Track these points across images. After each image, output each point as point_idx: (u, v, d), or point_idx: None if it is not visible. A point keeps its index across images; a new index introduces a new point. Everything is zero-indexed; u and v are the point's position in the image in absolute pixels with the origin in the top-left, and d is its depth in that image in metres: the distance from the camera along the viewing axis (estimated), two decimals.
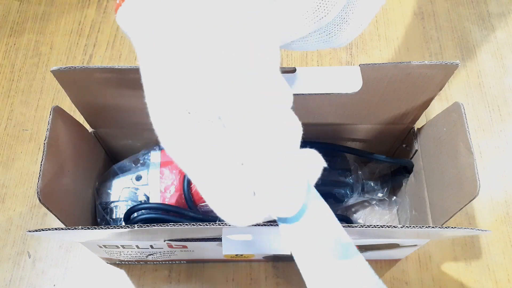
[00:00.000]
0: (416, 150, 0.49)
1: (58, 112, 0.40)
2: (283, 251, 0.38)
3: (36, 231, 0.34)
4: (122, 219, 0.46)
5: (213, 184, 0.24)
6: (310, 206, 0.25)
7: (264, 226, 0.36)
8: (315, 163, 0.26)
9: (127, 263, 0.51)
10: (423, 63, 0.39)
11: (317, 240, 0.25)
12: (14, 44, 0.66)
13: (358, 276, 0.25)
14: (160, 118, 0.24)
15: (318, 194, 0.26)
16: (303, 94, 0.39)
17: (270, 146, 0.23)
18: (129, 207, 0.46)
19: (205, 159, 0.23)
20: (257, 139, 0.23)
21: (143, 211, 0.45)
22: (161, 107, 0.23)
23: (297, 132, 0.25)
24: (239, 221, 0.24)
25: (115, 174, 0.50)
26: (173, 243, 0.43)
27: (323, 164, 0.26)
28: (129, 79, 0.38)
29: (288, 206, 0.24)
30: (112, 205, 0.48)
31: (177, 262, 0.51)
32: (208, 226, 0.35)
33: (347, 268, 0.25)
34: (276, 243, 0.39)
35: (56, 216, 0.38)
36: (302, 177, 0.25)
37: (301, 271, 0.25)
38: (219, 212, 0.24)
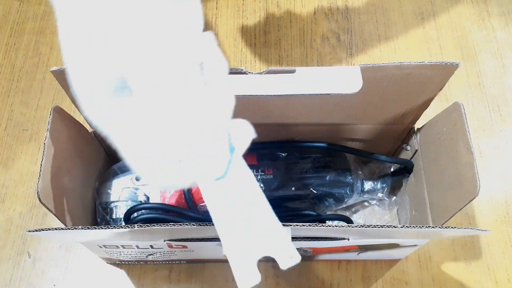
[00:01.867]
0: (416, 150, 0.49)
1: (58, 112, 0.40)
2: None
3: (36, 231, 0.34)
4: (122, 219, 0.46)
5: (140, 151, 0.25)
6: (232, 170, 0.27)
7: None
8: (244, 132, 0.27)
9: (127, 263, 0.51)
10: (423, 63, 0.39)
11: (234, 199, 0.27)
12: (14, 44, 0.66)
13: (273, 238, 0.27)
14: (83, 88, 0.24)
15: (242, 161, 0.28)
16: (303, 94, 0.39)
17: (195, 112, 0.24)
18: (129, 207, 0.46)
19: (131, 129, 0.24)
20: (183, 106, 0.24)
21: (143, 211, 0.45)
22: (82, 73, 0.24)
23: (228, 101, 0.26)
24: (166, 186, 0.26)
25: (115, 174, 0.50)
26: (173, 243, 0.43)
27: (253, 135, 0.27)
28: None
29: (212, 171, 0.26)
30: (112, 205, 0.48)
31: (177, 262, 0.51)
32: (208, 226, 0.35)
33: (260, 229, 0.27)
34: None
35: (56, 216, 0.38)
36: (225, 145, 0.26)
37: (216, 225, 0.27)
38: (147, 178, 0.26)
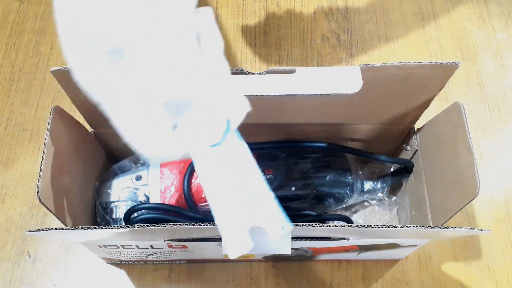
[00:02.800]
0: (416, 150, 0.49)
1: (58, 112, 0.40)
2: (283, 251, 0.38)
3: (36, 231, 0.34)
4: (122, 219, 0.46)
5: (132, 119, 0.24)
6: (227, 140, 0.27)
7: None
8: (240, 106, 0.27)
9: (127, 263, 0.51)
10: (423, 63, 0.39)
11: (227, 168, 0.27)
12: (14, 44, 0.66)
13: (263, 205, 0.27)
14: (75, 53, 0.23)
15: (237, 133, 0.28)
16: (303, 94, 0.39)
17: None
18: (129, 207, 0.46)
19: (124, 96, 0.23)
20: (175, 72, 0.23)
21: (143, 211, 0.45)
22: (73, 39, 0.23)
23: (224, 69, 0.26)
24: (159, 155, 0.25)
25: (115, 174, 0.50)
26: (173, 243, 0.43)
27: (248, 108, 0.27)
28: None
29: (208, 137, 0.26)
30: (112, 205, 0.48)
31: (177, 262, 0.51)
32: (208, 226, 0.35)
33: (251, 199, 0.27)
34: (276, 243, 0.39)
35: (56, 216, 0.38)
36: (222, 112, 0.26)
37: (207, 194, 0.27)
38: (139, 148, 0.24)
